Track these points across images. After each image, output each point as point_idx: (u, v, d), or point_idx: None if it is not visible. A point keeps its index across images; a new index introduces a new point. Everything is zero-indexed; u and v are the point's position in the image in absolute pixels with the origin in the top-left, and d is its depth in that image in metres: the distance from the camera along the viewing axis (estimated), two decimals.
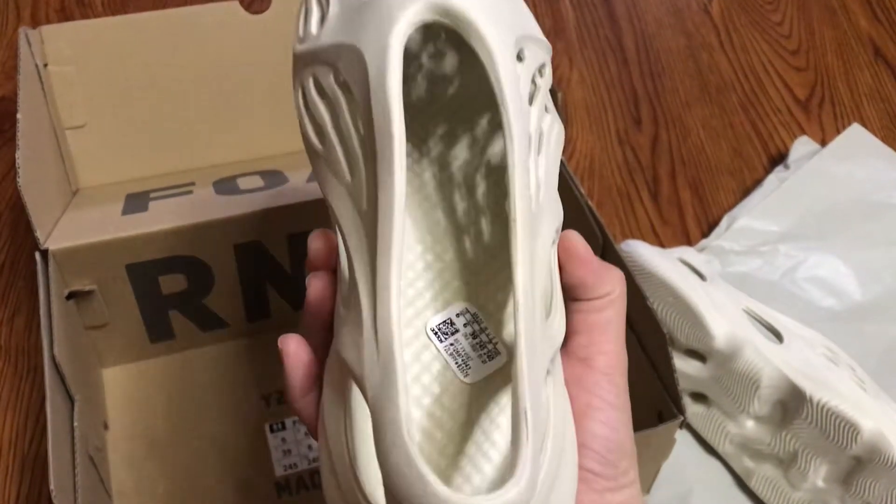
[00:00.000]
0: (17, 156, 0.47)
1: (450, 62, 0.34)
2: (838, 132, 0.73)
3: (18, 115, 0.49)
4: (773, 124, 0.76)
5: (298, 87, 0.31)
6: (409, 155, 0.33)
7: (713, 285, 0.56)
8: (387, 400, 0.23)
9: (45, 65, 0.57)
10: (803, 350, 0.53)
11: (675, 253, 0.60)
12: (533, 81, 0.29)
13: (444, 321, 0.30)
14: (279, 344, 0.30)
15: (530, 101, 0.29)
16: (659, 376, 0.47)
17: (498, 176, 0.33)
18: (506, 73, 0.26)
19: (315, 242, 0.31)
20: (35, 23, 0.74)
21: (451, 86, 0.34)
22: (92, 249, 0.50)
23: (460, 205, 0.33)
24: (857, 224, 0.67)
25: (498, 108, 0.26)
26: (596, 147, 0.73)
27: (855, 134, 0.72)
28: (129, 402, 0.56)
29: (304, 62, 0.31)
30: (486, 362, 0.30)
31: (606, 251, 0.50)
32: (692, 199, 0.71)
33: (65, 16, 0.76)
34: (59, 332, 0.45)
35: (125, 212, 0.54)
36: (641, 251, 0.58)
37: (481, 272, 0.32)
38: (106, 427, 0.54)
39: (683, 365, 0.55)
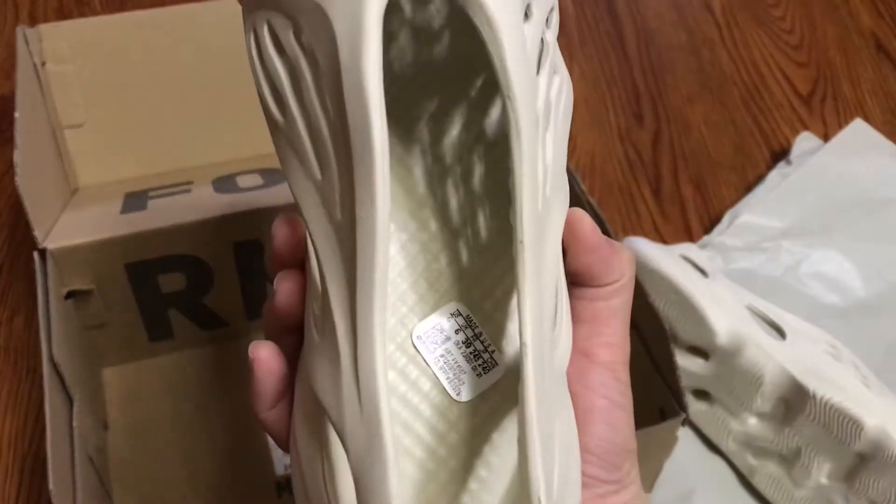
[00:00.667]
0: (15, 155, 0.47)
1: (436, 9, 0.28)
2: (841, 128, 0.73)
3: (17, 114, 0.49)
4: (775, 120, 0.76)
5: (250, 29, 0.25)
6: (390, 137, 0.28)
7: (715, 282, 0.56)
8: (374, 475, 0.20)
9: (44, 63, 0.56)
10: (806, 346, 0.53)
11: (677, 249, 0.59)
12: (541, 39, 0.24)
13: (433, 327, 0.26)
14: (250, 352, 0.27)
15: (538, 69, 0.24)
16: (661, 373, 0.46)
17: (498, 155, 0.28)
18: (513, 53, 0.21)
19: (281, 231, 0.27)
20: (33, 21, 0.73)
21: (439, 43, 0.28)
22: (91, 248, 0.50)
23: (451, 191, 0.28)
24: (860, 220, 0.66)
25: (496, 75, 0.21)
26: (597, 143, 0.73)
27: (857, 129, 0.71)
28: (129, 402, 0.56)
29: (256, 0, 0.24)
30: (482, 375, 0.26)
31: None
32: (694, 195, 0.70)
33: (63, 14, 0.76)
34: (57, 332, 0.45)
35: (124, 211, 0.53)
36: (643, 248, 0.57)
37: (474, 265, 0.28)
38: (106, 427, 0.54)
39: (686, 362, 0.55)
